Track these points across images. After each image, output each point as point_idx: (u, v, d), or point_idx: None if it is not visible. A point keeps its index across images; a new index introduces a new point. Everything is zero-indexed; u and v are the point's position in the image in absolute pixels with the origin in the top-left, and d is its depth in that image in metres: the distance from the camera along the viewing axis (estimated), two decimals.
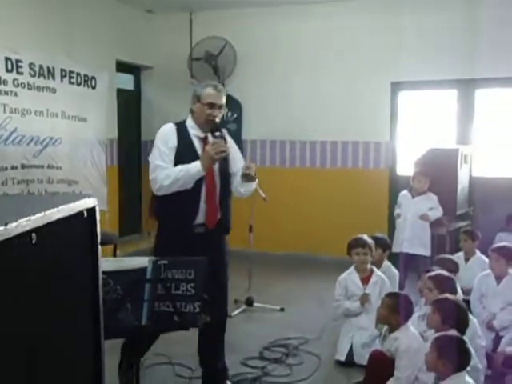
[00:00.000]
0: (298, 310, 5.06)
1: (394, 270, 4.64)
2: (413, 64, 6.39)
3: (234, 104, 7.11)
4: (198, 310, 2.68)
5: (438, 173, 5.40)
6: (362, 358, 3.84)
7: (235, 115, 7.20)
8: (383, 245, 4.65)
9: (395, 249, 5.22)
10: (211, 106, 3.21)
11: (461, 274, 4.23)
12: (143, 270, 2.55)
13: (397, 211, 5.56)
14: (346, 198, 6.85)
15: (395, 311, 3.38)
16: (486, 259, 4.80)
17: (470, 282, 4.45)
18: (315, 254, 6.86)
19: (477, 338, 3.35)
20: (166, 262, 2.59)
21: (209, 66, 7.07)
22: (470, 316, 3.32)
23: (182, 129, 3.27)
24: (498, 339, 3.90)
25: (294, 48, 7.00)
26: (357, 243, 4.22)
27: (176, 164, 3.16)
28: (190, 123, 3.29)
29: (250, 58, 7.09)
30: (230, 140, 3.35)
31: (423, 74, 6.42)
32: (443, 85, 6.53)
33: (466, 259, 4.95)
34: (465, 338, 2.85)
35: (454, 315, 3.02)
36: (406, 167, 6.33)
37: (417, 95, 6.78)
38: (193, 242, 3.09)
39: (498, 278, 4.23)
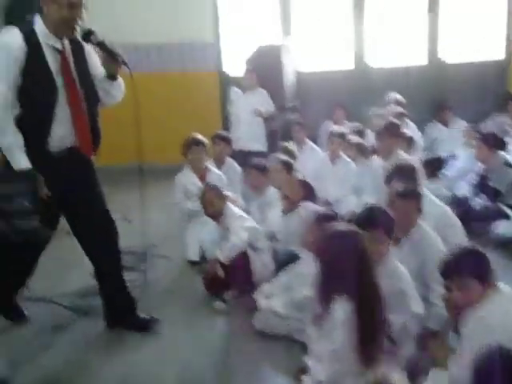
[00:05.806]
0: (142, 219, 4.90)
1: (237, 167, 4.67)
2: None
3: None
4: (36, 224, 2.45)
5: (265, 69, 5.47)
6: (213, 253, 3.88)
7: None
8: (226, 139, 4.69)
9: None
10: (71, 6, 2.52)
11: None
12: None
13: (230, 109, 5.58)
14: (174, 103, 6.57)
15: None
16: (316, 146, 5.16)
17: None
18: (150, 162, 6.60)
19: None
20: None
21: None
22: None
23: (32, 40, 2.54)
24: None
25: None
26: (191, 142, 4.19)
27: (24, 90, 2.51)
28: (41, 29, 2.57)
29: None
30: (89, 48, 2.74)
31: None
32: None
33: (299, 148, 5.18)
34: None
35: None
36: (237, 68, 6.23)
37: None
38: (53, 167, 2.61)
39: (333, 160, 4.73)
